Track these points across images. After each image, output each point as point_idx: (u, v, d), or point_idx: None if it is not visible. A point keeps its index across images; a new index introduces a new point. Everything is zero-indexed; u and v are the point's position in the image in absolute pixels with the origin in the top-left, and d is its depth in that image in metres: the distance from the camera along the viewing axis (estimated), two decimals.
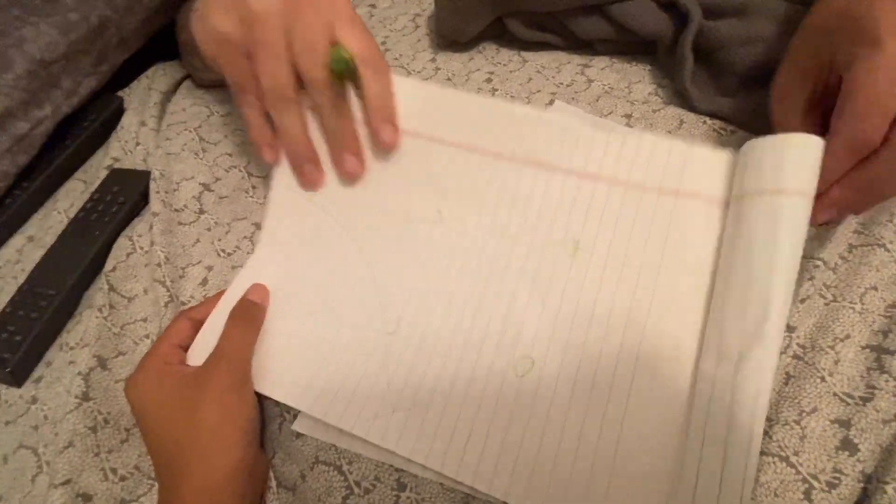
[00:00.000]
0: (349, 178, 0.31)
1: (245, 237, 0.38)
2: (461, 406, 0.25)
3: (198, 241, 0.38)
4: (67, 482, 0.28)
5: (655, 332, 0.25)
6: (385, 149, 0.30)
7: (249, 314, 0.30)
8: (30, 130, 0.43)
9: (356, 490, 0.27)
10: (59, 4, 0.42)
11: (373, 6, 0.54)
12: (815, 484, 0.23)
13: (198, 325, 0.30)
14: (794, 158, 0.24)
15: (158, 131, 0.46)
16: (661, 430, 0.23)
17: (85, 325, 0.34)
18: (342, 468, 0.27)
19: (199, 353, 0.29)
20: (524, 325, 0.26)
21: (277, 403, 0.29)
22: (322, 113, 0.30)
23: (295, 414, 0.29)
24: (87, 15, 0.43)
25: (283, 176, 0.34)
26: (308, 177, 0.32)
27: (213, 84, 0.48)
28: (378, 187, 0.31)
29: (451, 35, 0.45)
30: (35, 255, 0.39)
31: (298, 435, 0.28)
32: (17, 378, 0.33)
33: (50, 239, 0.39)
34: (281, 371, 0.29)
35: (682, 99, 0.38)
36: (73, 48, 0.44)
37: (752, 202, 0.25)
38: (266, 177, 0.41)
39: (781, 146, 0.25)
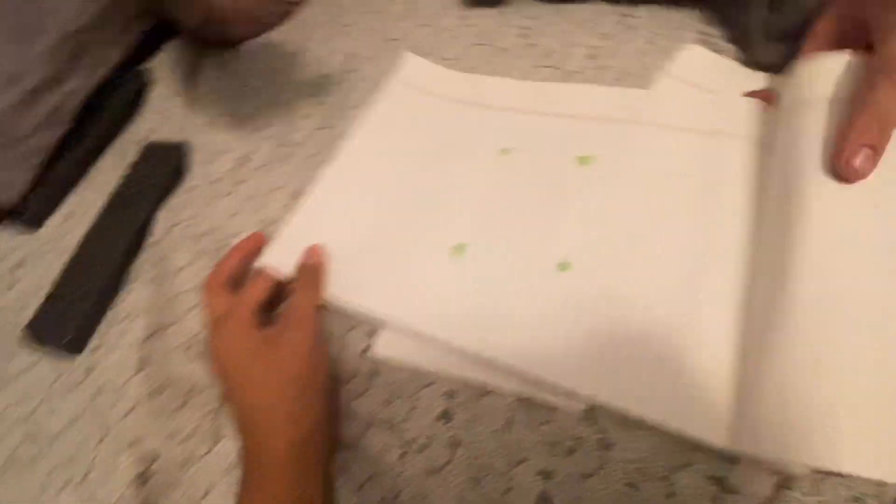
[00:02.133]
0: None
1: (284, 205, 0.38)
2: (520, 307, 0.28)
3: (237, 213, 0.38)
4: (134, 443, 0.29)
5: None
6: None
7: (312, 278, 0.31)
8: (62, 103, 0.43)
9: (412, 447, 0.27)
10: None
11: None
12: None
13: (228, 284, 0.31)
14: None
15: (191, 102, 0.45)
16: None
17: (136, 296, 0.35)
18: (395, 427, 0.28)
19: (277, 255, 0.32)
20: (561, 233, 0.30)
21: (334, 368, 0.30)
22: None
23: (351, 377, 0.30)
24: None
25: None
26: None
27: (202, 35, 0.47)
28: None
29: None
30: (77, 231, 0.40)
31: (355, 396, 0.29)
32: (74, 349, 0.34)
33: (91, 215, 0.40)
34: (358, 282, 0.31)
35: (737, 46, 0.36)
36: (100, 16, 0.43)
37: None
38: (299, 144, 0.41)
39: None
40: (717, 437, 0.22)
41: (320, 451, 0.27)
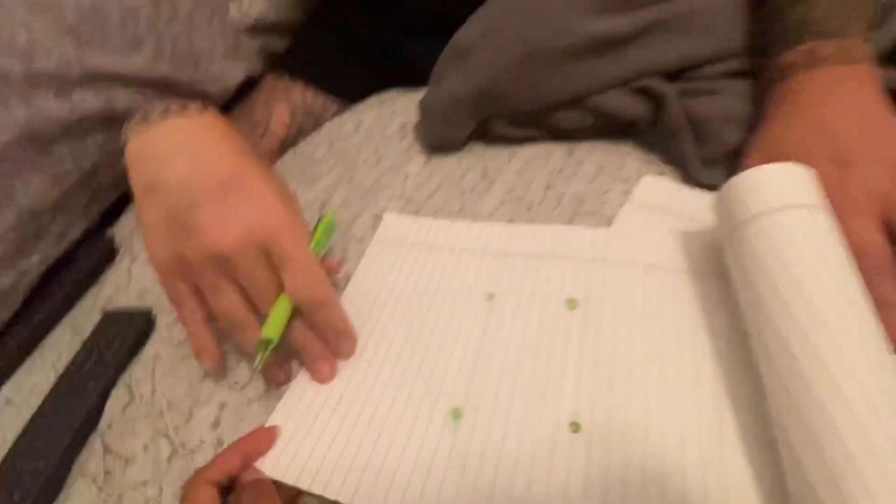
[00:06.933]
0: (322, 382, 0.32)
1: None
2: (538, 480, 0.25)
3: (206, 376, 0.35)
4: None
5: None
6: (346, 357, 0.32)
7: (261, 490, 0.27)
8: (15, 283, 0.41)
9: None
10: (54, 156, 0.42)
11: (359, 123, 0.57)
12: None
13: (218, 489, 0.26)
14: (792, 179, 0.26)
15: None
16: None
17: (76, 501, 0.29)
18: None
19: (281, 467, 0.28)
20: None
21: None
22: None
23: None
24: (80, 162, 0.44)
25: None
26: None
27: None
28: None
29: (441, 143, 0.47)
30: (16, 421, 0.35)
31: None
32: None
33: (35, 400, 0.35)
34: (347, 476, 0.27)
35: (674, 168, 0.39)
36: (65, 195, 0.43)
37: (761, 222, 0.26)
38: None
39: (777, 171, 0.27)
40: None
41: None
